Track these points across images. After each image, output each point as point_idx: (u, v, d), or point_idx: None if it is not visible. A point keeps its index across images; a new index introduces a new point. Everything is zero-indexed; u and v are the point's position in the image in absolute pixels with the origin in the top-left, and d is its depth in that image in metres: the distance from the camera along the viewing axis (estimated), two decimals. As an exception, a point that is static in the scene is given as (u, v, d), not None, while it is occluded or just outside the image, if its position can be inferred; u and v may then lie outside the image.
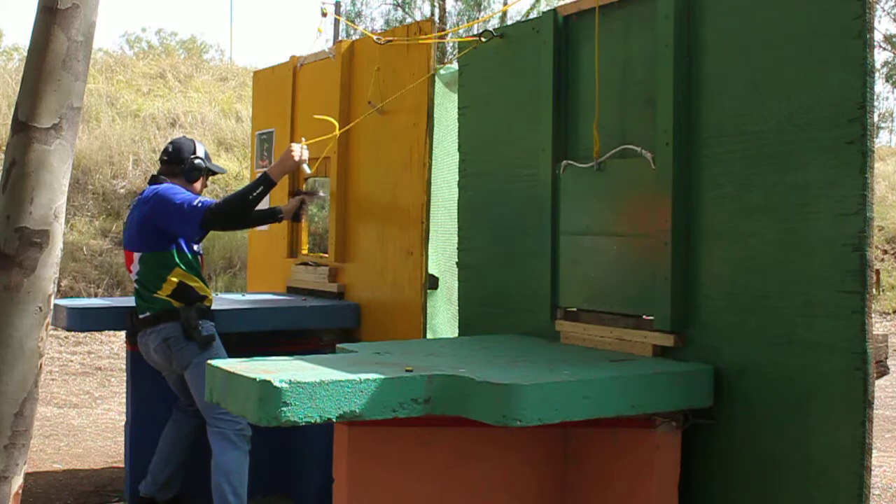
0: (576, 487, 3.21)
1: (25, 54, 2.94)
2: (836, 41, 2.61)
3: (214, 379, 2.72)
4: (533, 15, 14.76)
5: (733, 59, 2.89)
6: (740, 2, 2.89)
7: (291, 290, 5.10)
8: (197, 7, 73.69)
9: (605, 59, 3.29)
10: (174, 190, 4.08)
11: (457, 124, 4.04)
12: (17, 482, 2.82)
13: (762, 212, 2.79)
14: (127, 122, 12.86)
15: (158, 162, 4.32)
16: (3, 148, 7.09)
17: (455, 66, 4.20)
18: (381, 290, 4.43)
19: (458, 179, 4.01)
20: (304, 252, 5.22)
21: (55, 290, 2.89)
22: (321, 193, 4.78)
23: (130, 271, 4.15)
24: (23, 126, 2.80)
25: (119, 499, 4.66)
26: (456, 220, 4.06)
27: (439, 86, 4.47)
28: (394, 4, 18.87)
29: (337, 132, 4.41)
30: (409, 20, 17.76)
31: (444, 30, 14.60)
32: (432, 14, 18.34)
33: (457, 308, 4.06)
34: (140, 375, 4.40)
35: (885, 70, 22.48)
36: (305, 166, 4.17)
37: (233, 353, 3.94)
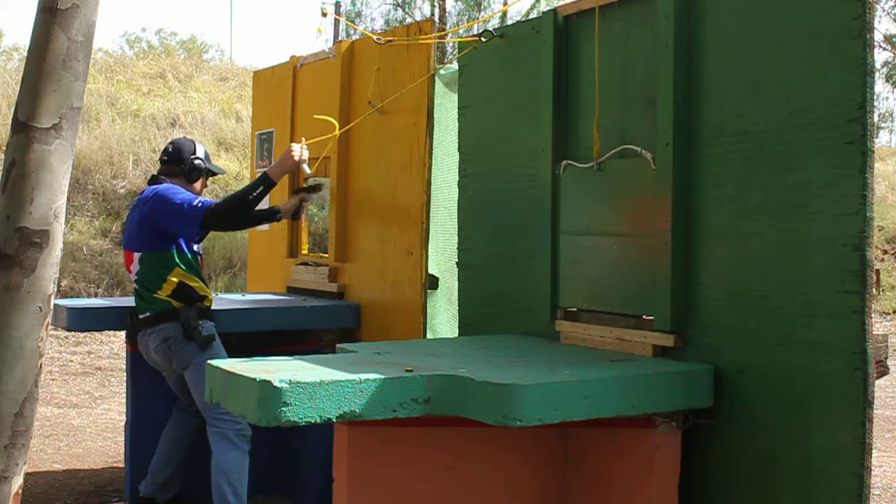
0: (576, 487, 3.21)
1: (25, 54, 2.94)
2: (836, 41, 2.61)
3: (214, 379, 2.72)
4: (533, 15, 14.76)
5: (733, 59, 2.89)
6: (740, 2, 2.89)
7: (291, 290, 5.10)
8: (197, 7, 73.73)
9: (605, 59, 3.29)
10: (174, 190, 4.08)
11: (457, 124, 4.03)
12: (17, 482, 2.82)
13: (762, 212, 2.79)
14: (127, 122, 12.85)
15: (158, 162, 4.32)
16: (3, 148, 7.09)
17: (455, 66, 4.20)
18: (381, 290, 4.43)
19: (458, 179, 4.01)
20: (304, 252, 5.22)
21: (55, 290, 2.89)
22: (323, 190, 4.77)
23: (130, 271, 4.15)
24: (23, 126, 2.80)
25: (119, 499, 4.66)
26: (456, 220, 4.05)
27: (439, 86, 4.47)
28: (394, 4, 18.87)
29: (337, 132, 4.40)
30: (409, 20, 17.76)
31: (444, 30, 14.60)
32: (432, 14, 18.33)
33: (457, 308, 4.06)
34: (140, 375, 4.41)
35: (885, 70, 22.49)
36: (305, 166, 4.17)
37: (233, 353, 3.94)
